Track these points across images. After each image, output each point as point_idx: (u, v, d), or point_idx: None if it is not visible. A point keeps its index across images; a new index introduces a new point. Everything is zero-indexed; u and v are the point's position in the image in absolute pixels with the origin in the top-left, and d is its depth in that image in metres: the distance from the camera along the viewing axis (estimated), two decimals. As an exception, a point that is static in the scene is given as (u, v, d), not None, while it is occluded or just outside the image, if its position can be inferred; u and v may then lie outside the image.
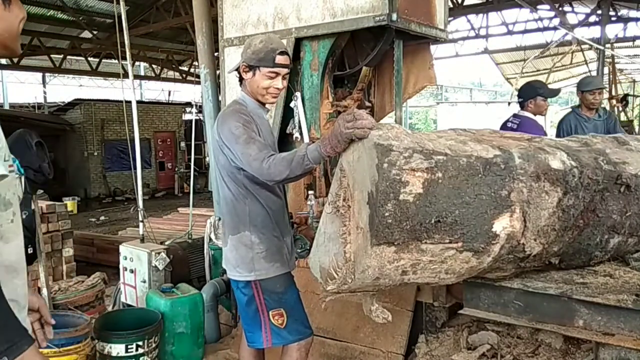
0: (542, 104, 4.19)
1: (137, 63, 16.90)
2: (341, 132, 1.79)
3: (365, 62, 3.61)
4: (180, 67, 16.60)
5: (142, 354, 3.28)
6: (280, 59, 2.30)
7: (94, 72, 15.88)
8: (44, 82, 20.54)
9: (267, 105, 2.50)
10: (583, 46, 11.03)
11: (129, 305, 4.09)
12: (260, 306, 2.42)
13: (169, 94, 22.68)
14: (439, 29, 3.59)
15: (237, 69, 2.42)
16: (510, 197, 1.82)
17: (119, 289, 4.26)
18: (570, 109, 4.98)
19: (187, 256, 4.79)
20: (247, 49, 2.35)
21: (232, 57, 3.74)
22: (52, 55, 13.84)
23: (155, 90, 23.79)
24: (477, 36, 14.00)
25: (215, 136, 2.34)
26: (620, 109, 11.21)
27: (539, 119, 4.29)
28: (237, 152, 2.20)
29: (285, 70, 2.35)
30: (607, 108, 5.20)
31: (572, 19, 11.43)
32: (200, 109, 6.33)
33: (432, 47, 3.97)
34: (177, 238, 5.08)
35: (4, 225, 1.29)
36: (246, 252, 2.39)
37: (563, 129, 4.64)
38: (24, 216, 3.67)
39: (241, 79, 2.44)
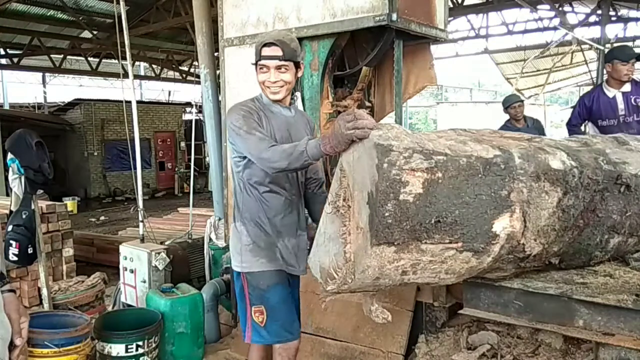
0: (620, 67, 3.96)
1: (137, 63, 16.88)
2: (342, 134, 1.78)
3: (365, 62, 3.61)
4: (180, 67, 16.59)
5: (142, 354, 3.28)
6: (265, 51, 2.27)
7: (94, 72, 15.88)
8: (44, 82, 20.54)
9: (294, 102, 2.54)
10: (583, 46, 11.02)
11: (129, 305, 4.09)
12: (246, 299, 2.42)
13: (169, 94, 22.68)
14: (439, 29, 3.59)
15: None
16: (510, 197, 1.82)
17: (119, 289, 4.26)
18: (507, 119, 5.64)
19: (187, 256, 4.80)
20: None
21: (232, 57, 3.74)
22: (52, 55, 13.84)
23: (155, 90, 23.79)
24: (477, 36, 13.97)
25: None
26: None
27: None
28: (239, 143, 2.24)
29: (274, 62, 2.26)
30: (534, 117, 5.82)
31: (572, 19, 11.42)
32: (200, 109, 6.33)
33: (432, 47, 3.97)
34: (177, 238, 5.09)
35: None
36: (236, 242, 2.44)
37: None
38: (24, 216, 3.68)
39: None
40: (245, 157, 2.29)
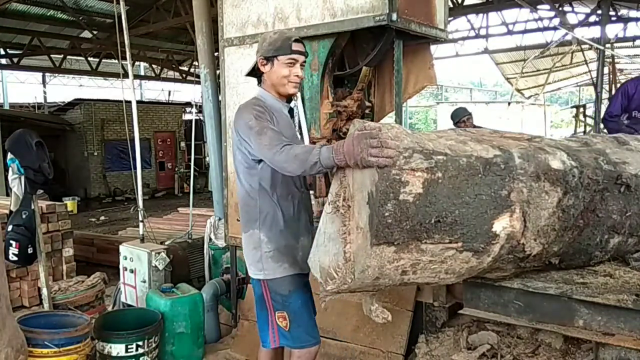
0: None
1: (137, 63, 16.88)
2: (362, 158, 1.68)
3: (365, 62, 3.61)
4: (180, 67, 16.58)
5: (142, 354, 3.28)
6: (296, 46, 2.33)
7: (94, 72, 15.86)
8: (44, 82, 20.54)
9: (292, 101, 2.51)
10: (583, 46, 11.01)
11: (129, 305, 4.09)
12: (268, 305, 2.42)
13: (169, 94, 22.69)
14: (439, 29, 3.59)
15: (253, 68, 2.42)
16: (510, 197, 1.83)
17: (119, 289, 4.26)
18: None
19: (187, 256, 4.80)
20: (262, 43, 2.38)
21: (232, 57, 3.74)
22: (52, 55, 13.83)
23: (155, 90, 23.80)
24: (477, 36, 13.96)
25: (234, 132, 2.35)
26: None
27: None
28: (252, 142, 2.20)
29: (302, 58, 2.36)
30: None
31: (572, 19, 11.41)
32: (200, 109, 6.33)
33: (432, 47, 3.96)
34: (177, 238, 5.09)
35: None
36: (255, 250, 2.39)
37: None
38: (24, 216, 3.68)
39: (259, 77, 2.45)
40: (262, 161, 2.25)
